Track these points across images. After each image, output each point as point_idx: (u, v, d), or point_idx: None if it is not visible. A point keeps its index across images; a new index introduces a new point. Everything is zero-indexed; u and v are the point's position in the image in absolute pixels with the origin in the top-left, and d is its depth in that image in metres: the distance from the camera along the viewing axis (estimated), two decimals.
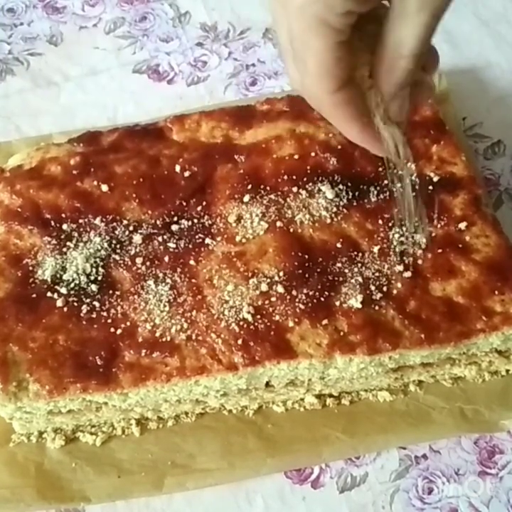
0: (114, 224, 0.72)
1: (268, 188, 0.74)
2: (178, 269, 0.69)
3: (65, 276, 0.69)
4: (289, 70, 0.49)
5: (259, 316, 0.66)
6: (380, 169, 0.76)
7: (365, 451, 0.71)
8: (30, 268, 0.70)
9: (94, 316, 0.67)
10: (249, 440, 0.71)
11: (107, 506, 0.69)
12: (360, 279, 0.68)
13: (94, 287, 0.68)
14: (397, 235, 0.71)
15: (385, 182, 0.75)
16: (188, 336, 0.65)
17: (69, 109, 0.96)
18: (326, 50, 0.44)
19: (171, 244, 0.71)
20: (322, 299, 0.66)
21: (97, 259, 0.70)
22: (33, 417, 0.67)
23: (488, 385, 0.74)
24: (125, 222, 0.72)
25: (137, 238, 0.71)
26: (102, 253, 0.70)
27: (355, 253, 0.70)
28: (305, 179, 0.75)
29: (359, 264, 0.69)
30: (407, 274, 0.68)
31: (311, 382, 0.70)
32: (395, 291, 0.67)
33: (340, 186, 0.74)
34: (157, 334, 0.65)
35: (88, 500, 0.68)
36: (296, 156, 0.76)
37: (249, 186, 0.74)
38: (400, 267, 0.69)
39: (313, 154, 0.77)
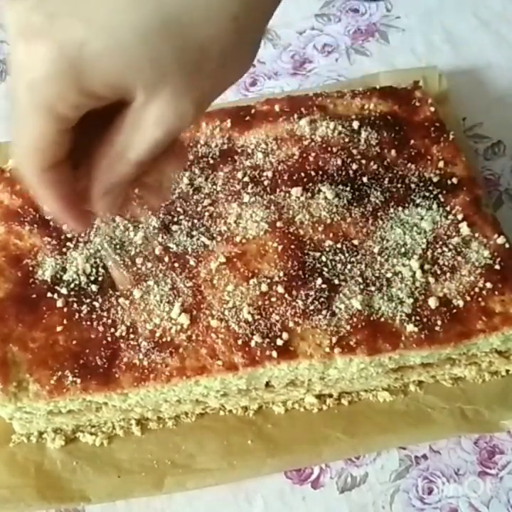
0: (114, 224, 0.72)
1: (268, 188, 0.75)
2: (178, 270, 0.69)
3: (65, 277, 0.69)
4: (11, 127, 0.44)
5: (259, 317, 0.66)
6: (381, 169, 0.76)
7: (365, 451, 0.71)
8: (30, 268, 0.70)
9: (94, 316, 0.67)
10: (249, 440, 0.71)
11: (107, 506, 0.69)
12: (360, 279, 0.68)
13: (94, 287, 0.68)
14: (397, 236, 0.71)
15: (386, 182, 0.75)
16: (188, 336, 0.65)
17: None
18: (44, 132, 0.41)
19: (171, 245, 0.71)
20: (322, 299, 0.66)
21: (97, 260, 0.70)
22: (33, 417, 0.67)
23: (488, 386, 0.74)
24: (125, 222, 0.73)
25: (137, 238, 0.71)
26: (102, 253, 0.70)
27: (356, 253, 0.70)
28: (305, 179, 0.75)
29: (359, 265, 0.69)
30: (407, 274, 0.68)
31: (311, 383, 0.70)
32: (394, 292, 0.67)
33: (341, 186, 0.74)
34: (157, 334, 0.65)
35: (88, 500, 0.68)
36: (296, 156, 0.77)
37: (250, 186, 0.74)
38: (400, 267, 0.69)
39: (313, 154, 0.77)
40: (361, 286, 0.67)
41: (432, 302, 0.66)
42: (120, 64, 0.38)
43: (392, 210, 0.73)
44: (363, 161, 0.76)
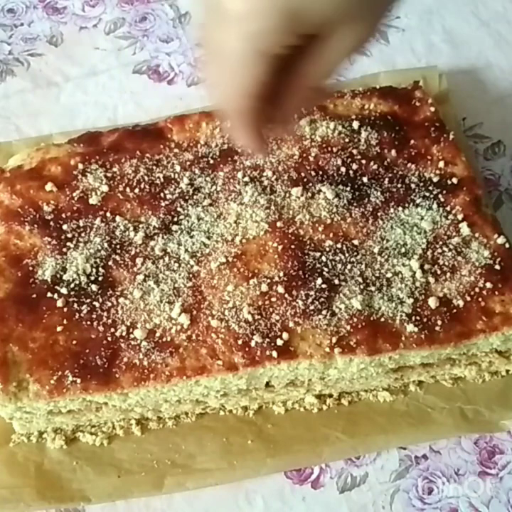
0: (114, 224, 0.72)
1: (268, 188, 0.75)
2: (178, 270, 0.69)
3: (65, 277, 0.69)
4: (206, 67, 0.51)
5: (259, 317, 0.66)
6: (381, 169, 0.76)
7: (365, 451, 0.71)
8: (31, 268, 0.70)
9: (94, 316, 0.67)
10: (249, 440, 0.71)
11: (106, 506, 0.69)
12: (360, 279, 0.68)
13: (94, 287, 0.68)
14: (397, 236, 0.71)
15: (386, 182, 0.75)
16: (188, 336, 0.65)
17: (69, 110, 0.96)
18: (260, 74, 0.47)
19: (171, 245, 0.71)
20: (322, 299, 0.66)
21: (97, 260, 0.70)
22: (33, 417, 0.67)
23: (488, 386, 0.74)
24: (125, 222, 0.73)
25: (137, 238, 0.71)
26: (102, 253, 0.70)
27: (356, 253, 0.70)
28: (305, 179, 0.75)
29: (359, 265, 0.69)
30: (407, 274, 0.68)
31: (311, 383, 0.70)
32: (394, 292, 0.67)
33: (341, 186, 0.74)
34: (157, 334, 0.65)
35: (88, 500, 0.68)
36: (296, 156, 0.77)
37: (249, 186, 0.74)
38: (400, 267, 0.69)
39: (313, 154, 0.77)
40: (361, 286, 0.67)
41: (432, 302, 0.66)
42: (327, 8, 0.45)
43: (392, 210, 0.73)
44: (363, 161, 0.76)
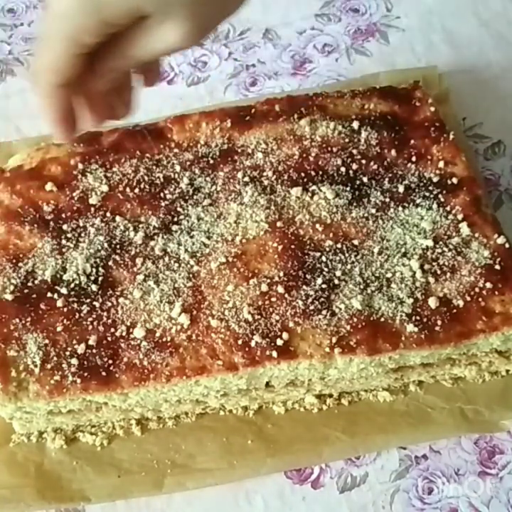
0: (114, 224, 0.72)
1: (268, 188, 0.75)
2: (179, 270, 0.69)
3: (65, 277, 0.69)
4: (35, 53, 0.55)
5: (259, 316, 0.66)
6: (381, 169, 0.76)
7: (365, 451, 0.71)
8: (30, 268, 0.70)
9: (94, 316, 0.67)
10: (249, 440, 0.71)
11: (106, 506, 0.69)
12: (360, 279, 0.68)
13: (94, 287, 0.68)
14: (397, 236, 0.71)
15: (386, 182, 0.75)
16: (188, 336, 0.65)
17: None
18: (62, 55, 0.52)
19: (171, 245, 0.71)
20: (322, 299, 0.66)
21: (97, 260, 0.70)
22: (33, 417, 0.67)
23: (488, 385, 0.74)
24: (125, 222, 0.73)
25: (137, 238, 0.71)
26: (102, 253, 0.70)
27: (356, 253, 0.70)
28: (305, 179, 0.75)
29: (359, 265, 0.69)
30: (407, 274, 0.68)
31: (311, 383, 0.70)
32: (394, 292, 0.67)
33: (341, 186, 0.74)
34: (157, 334, 0.65)
35: (88, 500, 0.68)
36: (296, 156, 0.77)
37: (250, 186, 0.74)
38: (400, 267, 0.69)
39: (313, 154, 0.77)
40: (361, 286, 0.67)
41: (432, 302, 0.66)
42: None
43: (392, 210, 0.73)
44: (363, 161, 0.76)
